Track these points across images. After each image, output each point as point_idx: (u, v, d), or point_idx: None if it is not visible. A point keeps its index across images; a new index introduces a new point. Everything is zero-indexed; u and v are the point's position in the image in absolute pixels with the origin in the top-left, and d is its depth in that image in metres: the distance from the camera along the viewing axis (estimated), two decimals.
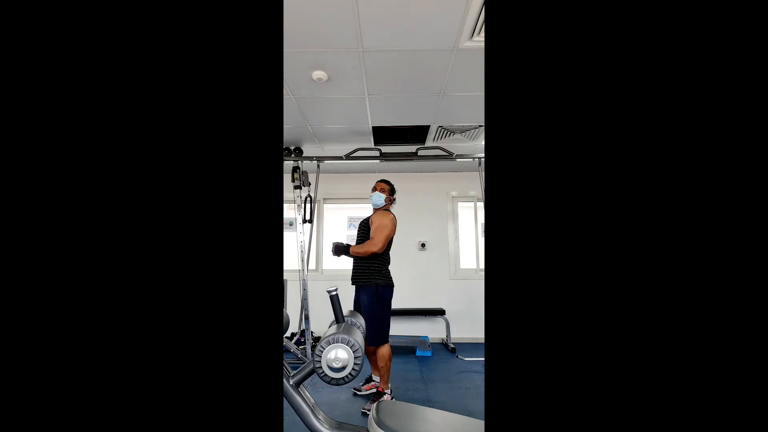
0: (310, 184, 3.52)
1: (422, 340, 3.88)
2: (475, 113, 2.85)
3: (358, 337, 0.88)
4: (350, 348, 0.84)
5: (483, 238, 4.43)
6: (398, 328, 4.16)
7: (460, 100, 2.59)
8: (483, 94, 2.49)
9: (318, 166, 3.53)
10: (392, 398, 2.46)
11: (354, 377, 0.86)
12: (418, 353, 3.77)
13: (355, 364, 0.84)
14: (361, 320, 1.09)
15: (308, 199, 3.46)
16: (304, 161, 3.49)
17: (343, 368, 0.84)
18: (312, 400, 1.00)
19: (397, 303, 4.24)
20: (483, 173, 3.56)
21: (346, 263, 3.00)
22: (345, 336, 0.85)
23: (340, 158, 3.40)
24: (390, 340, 3.87)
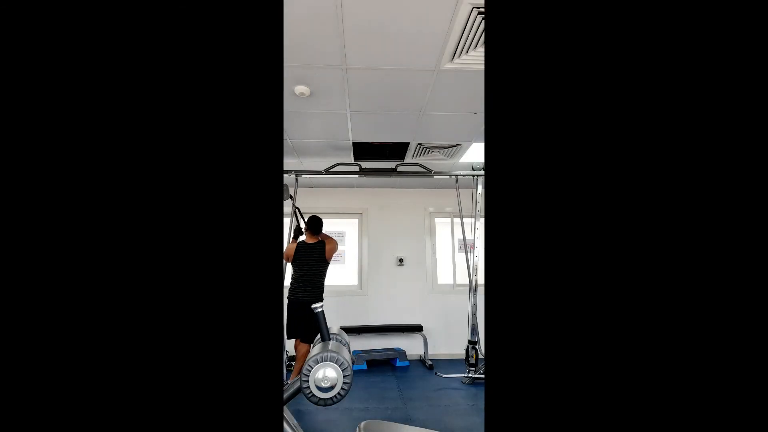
0: (291, 196, 3.46)
1: (399, 352, 3.91)
2: (454, 132, 2.93)
3: (347, 355, 0.87)
4: (339, 366, 0.82)
5: (460, 254, 4.49)
6: (376, 344, 4.10)
7: (439, 119, 2.66)
8: (461, 114, 2.57)
9: (296, 179, 3.50)
10: None
11: (343, 397, 0.83)
12: (398, 363, 3.83)
13: (344, 383, 0.82)
14: (346, 338, 1.07)
15: (297, 210, 3.35)
16: (283, 174, 3.45)
17: (331, 387, 0.82)
18: (294, 421, 0.97)
19: (374, 319, 4.21)
20: (459, 190, 3.63)
21: (335, 278, 2.97)
22: (334, 354, 0.84)
23: (319, 172, 3.38)
24: (367, 354, 3.92)
